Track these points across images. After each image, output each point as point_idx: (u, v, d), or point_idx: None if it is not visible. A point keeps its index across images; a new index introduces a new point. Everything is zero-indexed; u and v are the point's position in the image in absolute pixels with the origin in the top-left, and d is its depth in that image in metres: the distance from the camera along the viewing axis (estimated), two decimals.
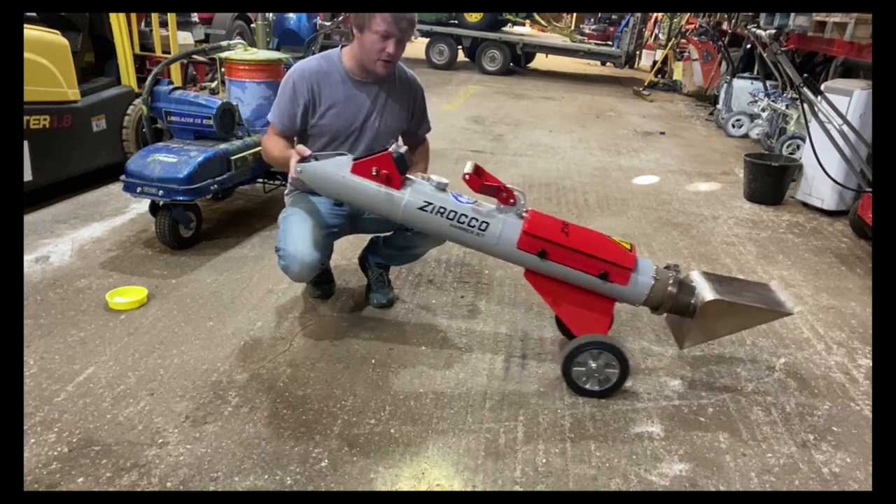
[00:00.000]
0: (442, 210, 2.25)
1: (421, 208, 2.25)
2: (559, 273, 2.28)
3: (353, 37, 2.42)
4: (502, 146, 6.18)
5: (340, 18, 5.79)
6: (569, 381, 2.33)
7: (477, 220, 2.24)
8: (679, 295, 2.29)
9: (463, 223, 2.25)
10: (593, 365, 2.28)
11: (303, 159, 2.28)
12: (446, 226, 2.27)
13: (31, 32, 3.58)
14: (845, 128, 3.86)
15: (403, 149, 2.28)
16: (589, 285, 2.28)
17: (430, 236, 2.61)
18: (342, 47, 2.55)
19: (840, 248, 4.02)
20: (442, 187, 2.29)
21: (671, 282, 2.28)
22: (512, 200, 2.27)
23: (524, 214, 2.29)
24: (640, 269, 2.28)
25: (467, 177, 2.23)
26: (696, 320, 2.29)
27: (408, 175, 2.30)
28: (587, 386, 2.32)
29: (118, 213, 3.77)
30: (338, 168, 2.27)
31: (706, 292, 2.27)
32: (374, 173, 2.24)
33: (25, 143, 3.52)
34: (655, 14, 13.65)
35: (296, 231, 2.45)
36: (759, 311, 2.28)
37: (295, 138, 2.56)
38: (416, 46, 12.11)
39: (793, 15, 5.75)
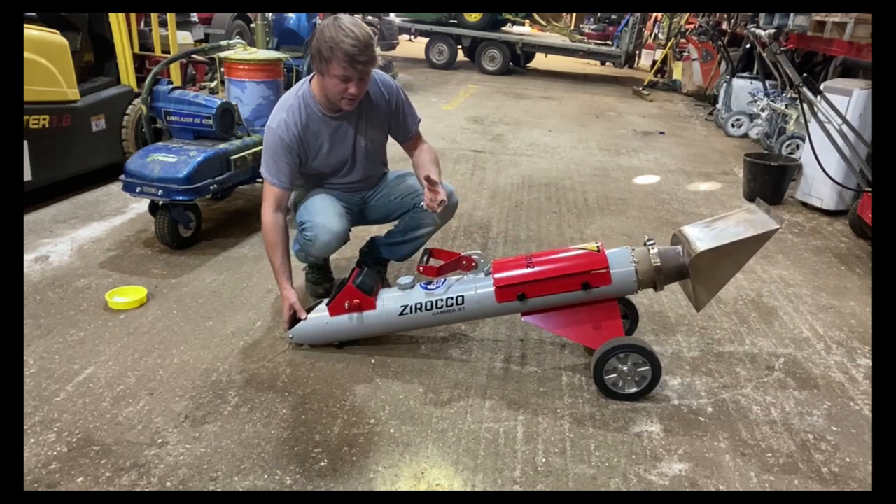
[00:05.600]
0: (419, 306, 2.37)
1: (401, 314, 2.38)
2: (547, 304, 2.32)
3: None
4: (502, 146, 6.17)
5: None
6: (603, 388, 2.31)
7: (452, 298, 2.35)
8: (664, 264, 2.26)
9: (441, 308, 2.35)
10: (623, 368, 2.27)
11: (291, 323, 2.44)
12: (430, 317, 2.38)
13: (31, 32, 3.58)
14: (845, 127, 3.87)
15: (365, 273, 2.42)
16: (580, 300, 2.30)
17: (426, 223, 2.71)
18: (311, 79, 2.47)
19: (839, 248, 4.02)
20: (409, 286, 2.41)
21: (652, 256, 2.27)
22: (473, 264, 2.35)
23: (488, 270, 2.35)
24: (616, 262, 2.27)
25: (422, 268, 2.35)
26: (694, 278, 2.25)
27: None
28: (620, 389, 2.31)
29: (118, 213, 3.77)
30: (319, 318, 2.43)
31: (690, 247, 2.22)
32: (347, 307, 2.38)
33: (25, 143, 3.52)
34: (655, 14, 13.64)
35: (321, 204, 2.52)
36: (748, 240, 2.18)
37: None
38: (416, 46, 12.15)
39: (792, 15, 5.75)
